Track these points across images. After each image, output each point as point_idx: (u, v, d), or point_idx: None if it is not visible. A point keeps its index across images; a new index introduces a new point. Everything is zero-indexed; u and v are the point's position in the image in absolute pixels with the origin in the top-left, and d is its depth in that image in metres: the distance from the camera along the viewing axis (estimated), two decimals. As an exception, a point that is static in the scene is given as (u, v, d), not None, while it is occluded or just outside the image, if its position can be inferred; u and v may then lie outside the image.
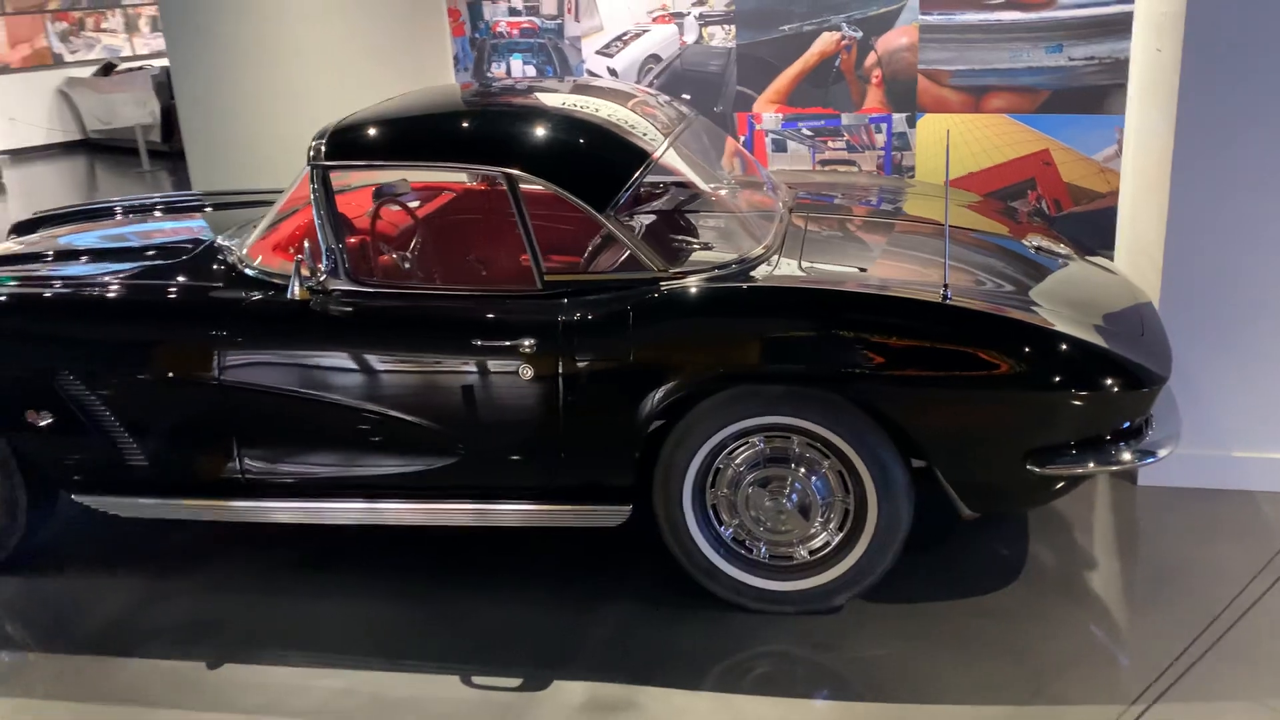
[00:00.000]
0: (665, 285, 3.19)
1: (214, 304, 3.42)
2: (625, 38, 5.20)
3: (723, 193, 3.77)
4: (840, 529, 3.20)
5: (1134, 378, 3.04)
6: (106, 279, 3.64)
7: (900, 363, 3.03)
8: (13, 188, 11.15)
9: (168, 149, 11.47)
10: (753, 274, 3.26)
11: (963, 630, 3.19)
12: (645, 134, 3.56)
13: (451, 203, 4.26)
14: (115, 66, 12.88)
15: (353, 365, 3.31)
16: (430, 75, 5.40)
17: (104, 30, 13.28)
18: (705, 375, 3.11)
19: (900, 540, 3.15)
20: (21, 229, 4.53)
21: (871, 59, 4.85)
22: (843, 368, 3.04)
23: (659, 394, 3.10)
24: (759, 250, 3.36)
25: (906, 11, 4.74)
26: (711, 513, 3.26)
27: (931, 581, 3.39)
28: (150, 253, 3.89)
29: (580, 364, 3.14)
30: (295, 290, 3.31)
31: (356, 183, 4.06)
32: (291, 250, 3.55)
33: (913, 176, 4.93)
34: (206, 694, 3.12)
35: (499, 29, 5.37)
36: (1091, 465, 3.05)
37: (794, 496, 3.18)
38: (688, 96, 4.97)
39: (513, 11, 5.31)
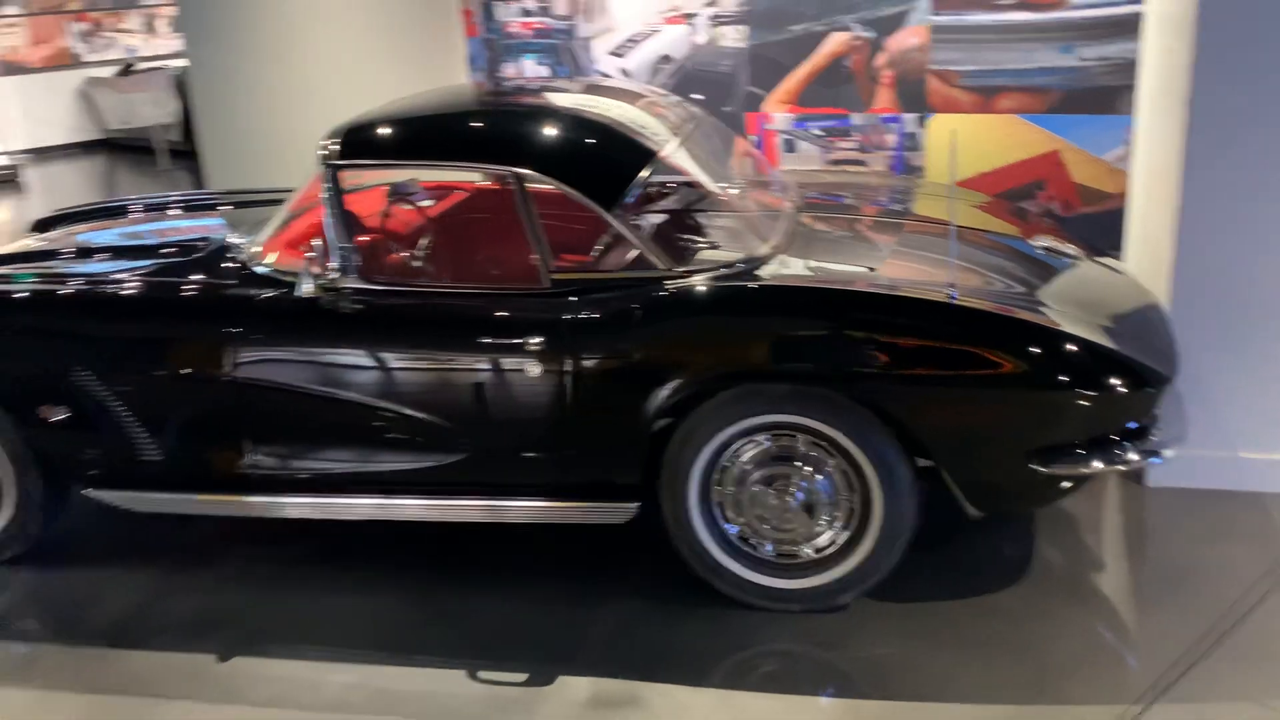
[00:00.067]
0: (672, 284, 3.21)
1: (226, 301, 3.46)
2: (637, 38, 5.21)
3: (731, 192, 3.78)
4: (846, 528, 3.20)
5: (1139, 378, 3.04)
6: (121, 276, 3.68)
7: (907, 362, 3.04)
8: (34, 186, 11.25)
9: (189, 149, 11.54)
10: (760, 273, 3.27)
11: (967, 629, 3.19)
12: (654, 134, 3.57)
13: (461, 202, 4.28)
14: (133, 66, 12.97)
15: (363, 362, 3.35)
16: (444, 75, 5.44)
17: (121, 30, 13.37)
18: (711, 374, 3.12)
19: (906, 539, 3.16)
20: (42, 226, 4.62)
21: (881, 59, 4.85)
22: (850, 367, 3.05)
23: (665, 392, 3.12)
24: (766, 250, 3.37)
25: (917, 12, 4.73)
26: (717, 510, 3.28)
27: (936, 580, 3.40)
28: (165, 250, 3.94)
29: (587, 362, 3.16)
30: (306, 288, 3.35)
31: (368, 182, 4.09)
32: (302, 249, 3.58)
33: (922, 177, 4.92)
34: (217, 687, 3.15)
35: (511, 29, 5.38)
36: (1097, 465, 3.04)
37: (799, 495, 3.19)
38: (699, 96, 4.98)
39: (525, 12, 5.33)
